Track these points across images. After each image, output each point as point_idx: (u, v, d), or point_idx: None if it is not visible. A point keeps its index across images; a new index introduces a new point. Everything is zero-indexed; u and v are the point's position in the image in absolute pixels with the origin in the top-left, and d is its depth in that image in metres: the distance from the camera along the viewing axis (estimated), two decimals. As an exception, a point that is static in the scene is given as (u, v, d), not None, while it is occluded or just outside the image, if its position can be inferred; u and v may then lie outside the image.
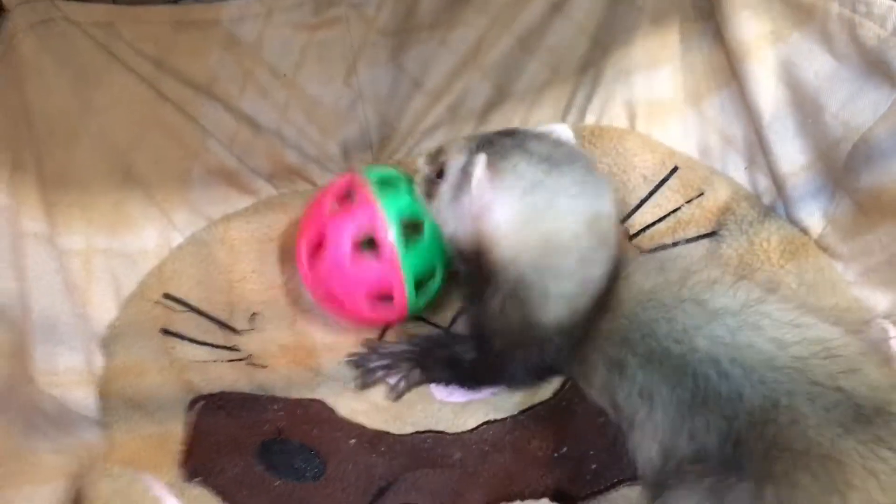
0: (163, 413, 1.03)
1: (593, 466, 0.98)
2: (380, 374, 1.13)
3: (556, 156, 1.02)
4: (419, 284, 1.13)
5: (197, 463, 1.00)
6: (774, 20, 1.16)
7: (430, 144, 1.42)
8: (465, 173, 1.02)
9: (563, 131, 1.22)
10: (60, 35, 1.17)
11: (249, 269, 1.28)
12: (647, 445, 0.92)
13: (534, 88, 1.40)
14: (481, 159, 0.99)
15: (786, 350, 0.86)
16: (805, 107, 1.14)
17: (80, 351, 1.05)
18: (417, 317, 1.23)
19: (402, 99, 1.40)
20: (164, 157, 1.28)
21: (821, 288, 1.11)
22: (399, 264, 1.09)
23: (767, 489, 0.79)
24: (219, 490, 0.94)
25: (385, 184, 1.13)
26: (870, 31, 1.03)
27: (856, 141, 1.06)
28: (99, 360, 1.09)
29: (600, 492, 0.95)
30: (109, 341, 1.12)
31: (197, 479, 0.95)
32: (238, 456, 1.01)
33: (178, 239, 1.28)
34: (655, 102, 1.34)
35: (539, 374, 1.09)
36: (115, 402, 1.04)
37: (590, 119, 1.38)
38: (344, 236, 1.09)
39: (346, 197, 1.14)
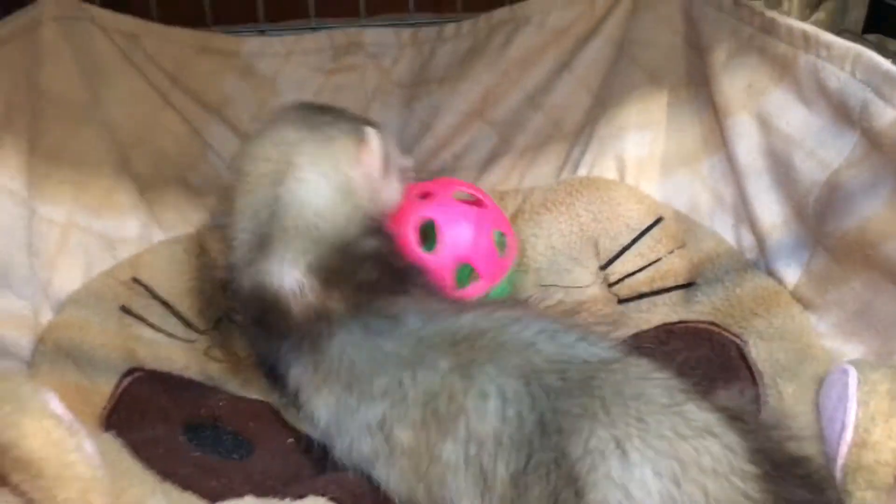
0: (93, 370, 1.02)
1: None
2: None
3: None
4: None
5: (116, 420, 0.96)
6: (752, 75, 1.17)
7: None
8: None
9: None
10: (84, 32, 1.24)
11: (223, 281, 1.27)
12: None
13: (536, 143, 1.43)
14: None
15: None
16: (779, 159, 1.13)
17: (28, 300, 1.05)
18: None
19: (411, 143, 1.44)
20: (164, 159, 1.32)
21: (789, 335, 1.06)
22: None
23: None
24: (131, 444, 0.88)
25: None
26: (831, 74, 1.03)
27: (821, 186, 1.04)
28: (47, 315, 1.08)
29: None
30: (65, 303, 1.12)
31: (111, 432, 0.91)
32: (162, 424, 0.98)
33: (160, 237, 1.30)
34: (646, 159, 1.35)
35: None
36: (48, 348, 1.02)
37: (582, 172, 1.39)
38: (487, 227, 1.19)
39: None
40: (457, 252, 1.18)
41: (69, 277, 1.15)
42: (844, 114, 1.01)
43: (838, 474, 0.86)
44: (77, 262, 1.17)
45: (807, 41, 1.07)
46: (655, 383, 0.81)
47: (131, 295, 1.18)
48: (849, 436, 0.86)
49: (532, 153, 1.43)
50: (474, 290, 1.18)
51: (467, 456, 0.84)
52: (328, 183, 1.03)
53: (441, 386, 0.87)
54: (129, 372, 1.04)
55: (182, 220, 1.33)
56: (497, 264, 1.20)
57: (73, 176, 1.20)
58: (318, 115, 1.11)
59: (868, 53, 0.98)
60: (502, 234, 1.22)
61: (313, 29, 1.43)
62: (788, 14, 1.68)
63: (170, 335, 1.17)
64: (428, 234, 1.20)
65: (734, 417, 0.80)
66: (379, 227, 1.07)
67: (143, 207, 1.29)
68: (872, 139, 0.97)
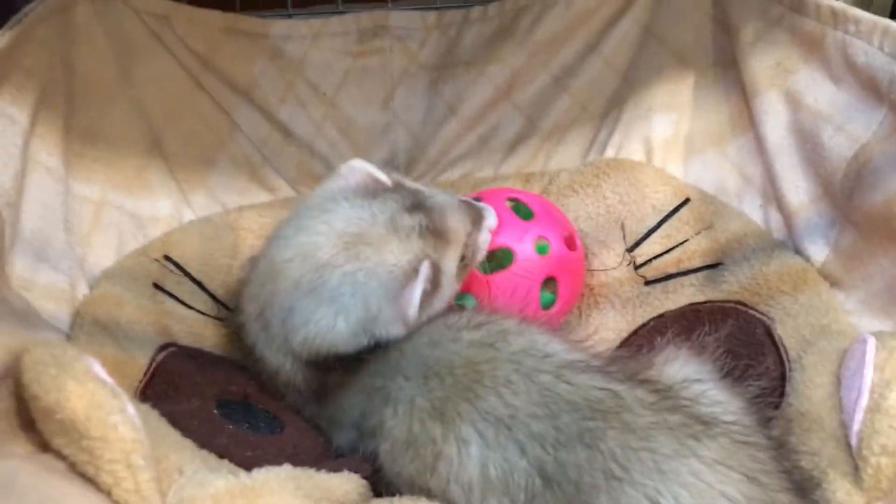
0: (130, 343, 1.03)
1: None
2: None
3: None
4: None
5: (152, 394, 0.98)
6: (781, 53, 1.17)
7: (455, 173, 1.46)
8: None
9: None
10: (116, 13, 1.25)
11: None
12: None
13: (562, 125, 1.43)
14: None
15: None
16: (807, 136, 1.12)
17: (66, 275, 1.06)
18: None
19: (436, 125, 1.45)
20: (193, 139, 1.33)
21: (815, 311, 1.06)
22: None
23: None
24: (168, 415, 0.89)
25: None
26: (859, 50, 1.03)
27: (849, 161, 1.04)
28: (83, 290, 1.10)
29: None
30: (99, 279, 1.13)
31: (147, 404, 0.92)
32: (196, 398, 0.99)
33: (190, 216, 1.31)
34: (673, 140, 1.35)
35: None
36: (86, 321, 1.03)
37: (609, 153, 1.39)
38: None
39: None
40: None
41: (103, 254, 1.17)
42: (873, 88, 1.02)
43: (853, 440, 0.86)
44: (110, 240, 1.19)
45: (835, 17, 1.07)
46: (657, 425, 0.80)
47: (163, 272, 1.19)
48: (864, 401, 0.86)
49: (558, 135, 1.44)
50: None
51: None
52: (348, 322, 0.95)
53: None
54: (164, 347, 1.06)
55: (212, 200, 1.35)
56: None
57: (105, 155, 1.22)
58: (369, 224, 0.98)
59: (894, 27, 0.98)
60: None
61: (340, 13, 1.43)
62: None
63: (201, 312, 1.18)
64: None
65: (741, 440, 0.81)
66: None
67: (174, 188, 1.31)
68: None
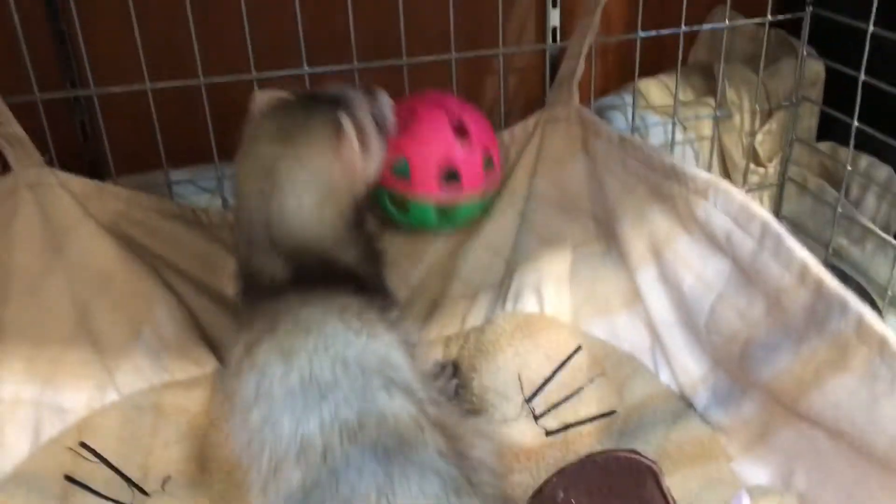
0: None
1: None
2: None
3: None
4: None
5: None
6: (651, 226, 1.23)
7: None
8: None
9: None
10: (52, 195, 1.33)
11: (174, 439, 1.30)
12: None
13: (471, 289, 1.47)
14: None
15: None
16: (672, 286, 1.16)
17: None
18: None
19: None
20: (121, 308, 1.36)
21: (700, 460, 1.09)
22: None
23: None
24: None
25: None
26: (701, 208, 1.08)
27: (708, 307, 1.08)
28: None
29: None
30: (8, 478, 1.16)
31: None
32: None
33: (113, 397, 1.32)
34: (564, 300, 1.40)
35: None
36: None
37: (508, 308, 1.41)
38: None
39: None
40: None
41: (17, 449, 1.20)
42: (716, 243, 1.05)
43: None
44: (25, 435, 1.21)
45: (676, 174, 1.12)
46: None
47: (77, 461, 1.21)
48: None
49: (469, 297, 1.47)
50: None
51: None
52: (310, 195, 1.11)
53: None
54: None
55: (138, 377, 1.35)
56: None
57: (24, 346, 1.26)
58: (290, 117, 1.15)
59: (724, 185, 1.03)
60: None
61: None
62: (741, 126, 1.76)
63: (116, 502, 1.19)
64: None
65: None
66: (360, 223, 1.18)
67: (98, 366, 1.32)
68: (741, 268, 1.00)
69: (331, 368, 0.98)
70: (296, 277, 1.11)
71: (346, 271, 1.15)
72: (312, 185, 1.11)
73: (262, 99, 1.22)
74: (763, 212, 1.01)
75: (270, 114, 1.19)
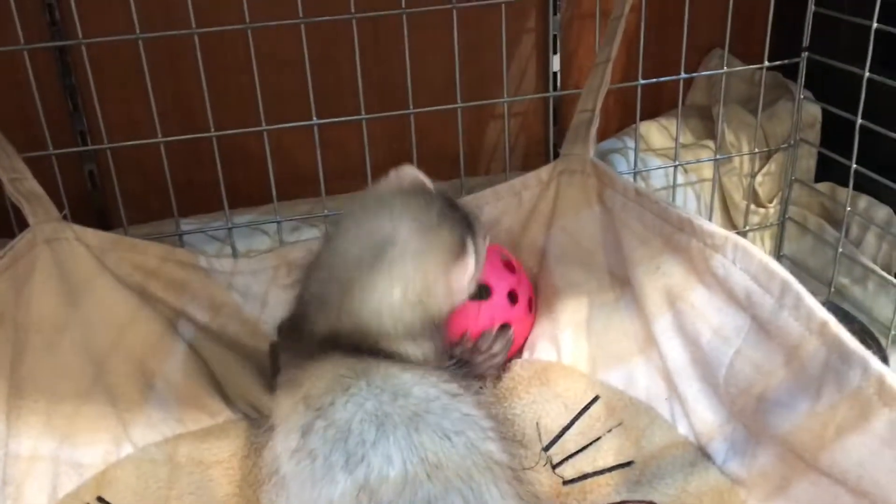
0: None
1: None
2: None
3: None
4: None
5: None
6: (667, 277, 1.25)
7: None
8: None
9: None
10: (69, 250, 1.34)
11: (188, 490, 1.30)
12: None
13: None
14: None
15: None
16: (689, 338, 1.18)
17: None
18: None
19: None
20: (134, 360, 1.37)
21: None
22: None
23: None
24: None
25: None
26: (718, 262, 1.09)
27: (728, 361, 1.10)
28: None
29: None
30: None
31: None
32: None
33: (128, 450, 1.33)
34: (581, 349, 1.41)
35: None
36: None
37: (525, 355, 1.45)
38: None
39: None
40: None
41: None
42: (735, 300, 1.07)
43: None
44: (43, 490, 1.22)
45: (693, 229, 1.14)
46: None
47: None
48: None
49: None
50: None
51: None
52: (402, 289, 1.08)
53: None
54: None
55: (152, 430, 1.37)
56: None
57: (43, 400, 1.27)
58: (425, 213, 1.12)
59: (742, 242, 1.05)
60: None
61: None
62: (740, 168, 1.79)
63: None
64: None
65: None
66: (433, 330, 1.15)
67: (114, 420, 1.34)
68: (760, 325, 1.02)
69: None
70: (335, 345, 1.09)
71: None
72: (411, 284, 1.08)
73: (406, 174, 1.20)
74: (783, 270, 1.03)
75: (407, 195, 1.15)
